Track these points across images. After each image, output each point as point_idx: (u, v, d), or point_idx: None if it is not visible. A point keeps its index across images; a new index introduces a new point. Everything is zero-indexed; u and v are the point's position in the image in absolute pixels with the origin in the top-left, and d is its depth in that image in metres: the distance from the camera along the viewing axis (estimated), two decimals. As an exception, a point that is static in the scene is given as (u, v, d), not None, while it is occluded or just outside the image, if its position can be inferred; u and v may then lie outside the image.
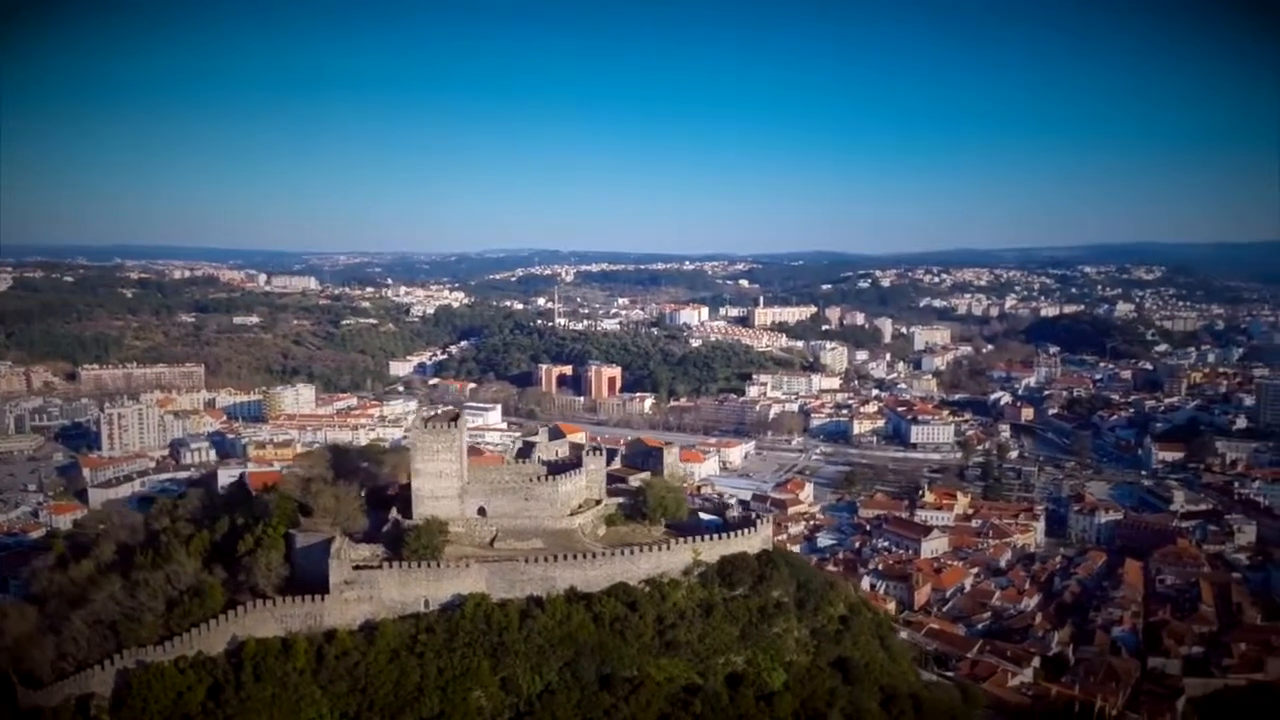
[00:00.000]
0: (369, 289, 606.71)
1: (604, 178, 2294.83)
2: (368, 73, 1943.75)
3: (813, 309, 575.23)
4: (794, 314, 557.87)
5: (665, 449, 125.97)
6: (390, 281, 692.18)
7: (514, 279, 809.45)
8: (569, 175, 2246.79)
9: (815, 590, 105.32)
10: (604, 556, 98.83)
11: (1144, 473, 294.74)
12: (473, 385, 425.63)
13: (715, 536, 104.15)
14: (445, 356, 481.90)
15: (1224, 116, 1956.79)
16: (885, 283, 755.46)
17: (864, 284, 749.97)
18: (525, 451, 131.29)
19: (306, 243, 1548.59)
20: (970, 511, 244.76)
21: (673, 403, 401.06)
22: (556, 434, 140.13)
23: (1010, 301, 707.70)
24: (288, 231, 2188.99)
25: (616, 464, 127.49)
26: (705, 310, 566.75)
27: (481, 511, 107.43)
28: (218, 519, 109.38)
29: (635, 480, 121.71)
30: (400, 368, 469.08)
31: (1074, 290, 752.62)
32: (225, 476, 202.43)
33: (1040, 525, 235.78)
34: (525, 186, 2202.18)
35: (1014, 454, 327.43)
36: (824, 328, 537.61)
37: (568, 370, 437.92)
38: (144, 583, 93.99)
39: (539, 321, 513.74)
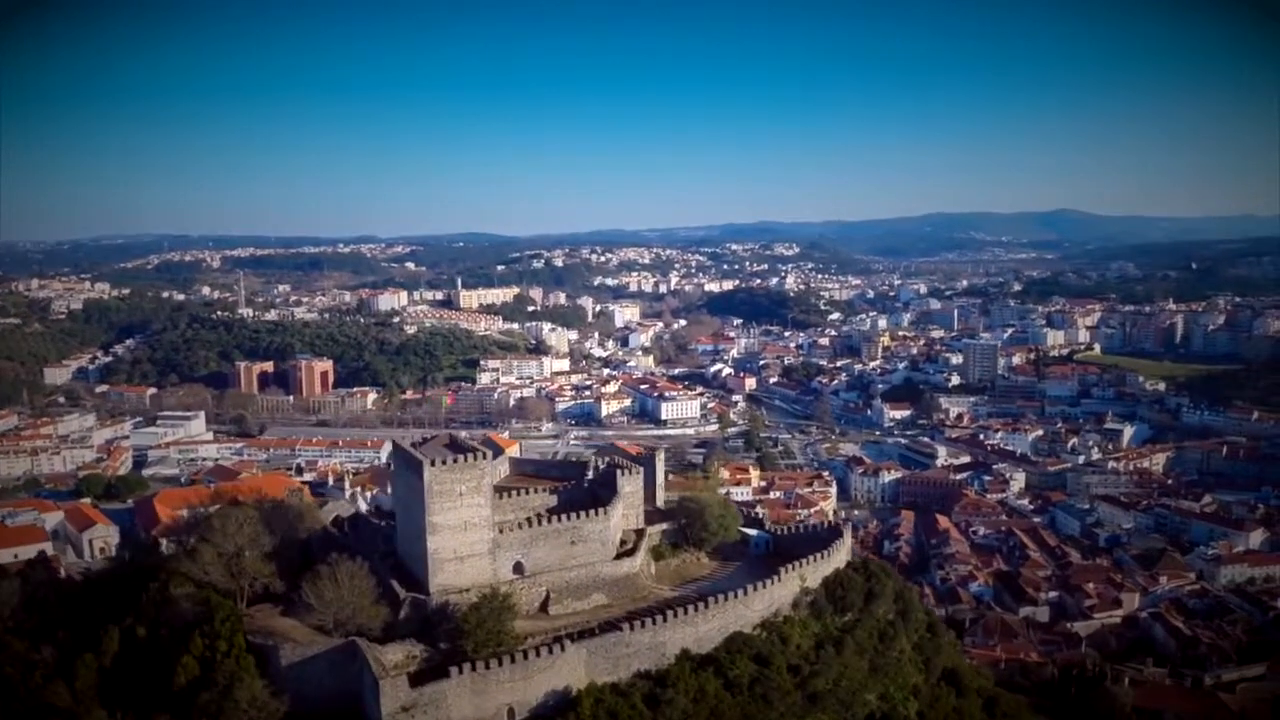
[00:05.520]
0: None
1: (235, 156, 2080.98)
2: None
3: (515, 290, 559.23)
4: (498, 295, 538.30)
5: (656, 456, 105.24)
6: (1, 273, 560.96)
7: (150, 267, 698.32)
8: (192, 154, 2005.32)
9: (909, 599, 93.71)
10: (717, 604, 78.49)
11: (879, 431, 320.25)
12: (153, 391, 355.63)
13: (815, 557, 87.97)
14: (110, 358, 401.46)
15: (829, 101, 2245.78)
16: (558, 263, 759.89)
17: (538, 264, 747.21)
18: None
19: None
20: (765, 484, 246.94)
21: (401, 396, 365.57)
22: (492, 449, 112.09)
23: (675, 279, 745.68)
24: None
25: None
26: (405, 295, 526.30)
27: (518, 568, 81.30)
28: (92, 628, 72.23)
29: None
30: (57, 374, 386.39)
31: (726, 267, 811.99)
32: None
33: (834, 490, 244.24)
34: (132, 164, 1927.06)
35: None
36: (530, 309, 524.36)
37: (269, 367, 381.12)
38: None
39: (220, 314, 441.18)
